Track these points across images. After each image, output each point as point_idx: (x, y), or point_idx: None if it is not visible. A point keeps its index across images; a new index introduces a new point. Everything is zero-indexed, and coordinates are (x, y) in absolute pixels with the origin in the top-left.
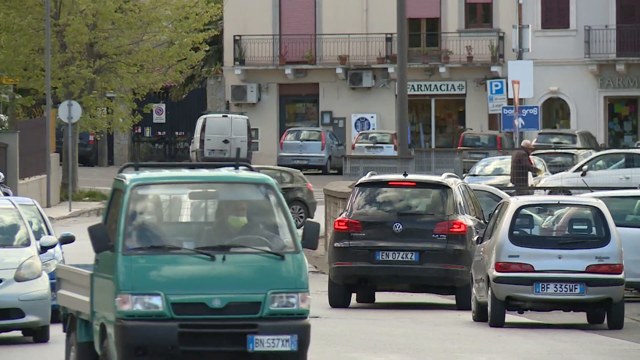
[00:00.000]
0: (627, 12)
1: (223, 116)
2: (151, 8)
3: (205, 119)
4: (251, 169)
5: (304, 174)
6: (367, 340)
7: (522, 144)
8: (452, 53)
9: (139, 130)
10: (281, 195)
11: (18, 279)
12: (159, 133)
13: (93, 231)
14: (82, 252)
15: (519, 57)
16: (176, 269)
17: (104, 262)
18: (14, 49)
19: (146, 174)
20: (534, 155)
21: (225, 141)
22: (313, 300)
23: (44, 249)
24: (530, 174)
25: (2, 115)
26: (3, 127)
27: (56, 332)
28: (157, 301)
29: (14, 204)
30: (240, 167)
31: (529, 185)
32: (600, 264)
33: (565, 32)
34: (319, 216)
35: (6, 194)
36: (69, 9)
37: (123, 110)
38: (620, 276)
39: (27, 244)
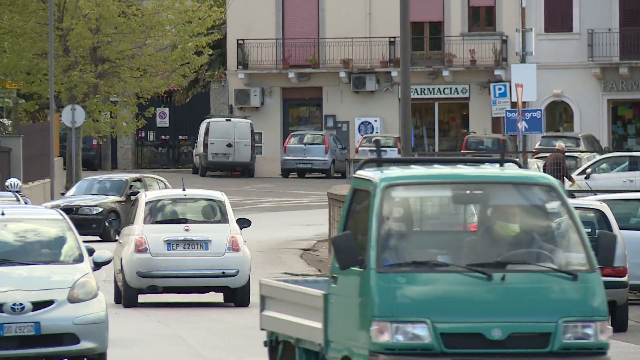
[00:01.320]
0: (630, 16)
1: (226, 120)
2: (154, 12)
3: (208, 122)
4: (520, 166)
5: (308, 177)
6: None
7: (557, 147)
8: (456, 57)
9: (143, 135)
10: (567, 200)
11: (71, 299)
12: (163, 137)
13: (339, 243)
14: None
15: (523, 61)
16: (444, 291)
17: (347, 279)
18: (17, 53)
19: (396, 171)
20: (537, 158)
21: (229, 145)
22: None
23: (97, 266)
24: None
25: (5, 119)
26: (6, 132)
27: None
28: (422, 331)
29: (62, 215)
30: (506, 164)
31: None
32: (604, 267)
33: (569, 35)
34: (322, 219)
35: (26, 203)
36: (72, 13)
37: (126, 114)
38: (624, 279)
39: (79, 259)
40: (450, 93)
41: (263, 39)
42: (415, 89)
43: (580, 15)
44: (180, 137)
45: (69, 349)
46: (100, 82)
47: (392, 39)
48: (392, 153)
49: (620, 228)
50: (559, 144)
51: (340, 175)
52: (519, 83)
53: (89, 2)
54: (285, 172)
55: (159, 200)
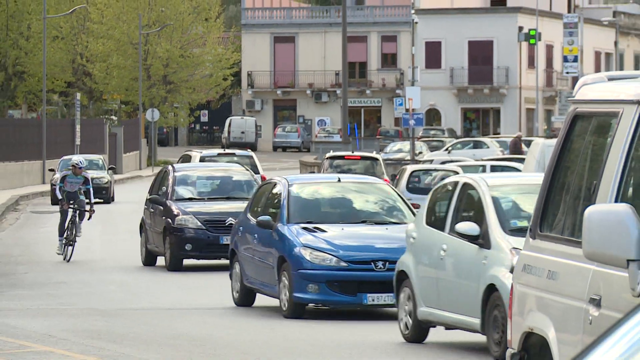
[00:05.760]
0: (474, 59)
1: (241, 118)
2: (199, 55)
3: (230, 119)
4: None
5: (288, 151)
6: None
7: (516, 135)
8: (374, 82)
9: (192, 126)
10: None
11: None
12: (204, 127)
13: None
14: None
15: (412, 85)
16: None
17: None
18: (120, 78)
19: None
20: (421, 141)
21: (242, 132)
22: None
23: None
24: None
25: (113, 116)
26: (114, 124)
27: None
28: None
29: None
30: None
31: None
32: None
33: (439, 70)
34: None
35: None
36: (152, 55)
37: (183, 114)
38: None
39: None
40: (371, 103)
41: (262, 71)
42: (350, 101)
43: (446, 58)
44: (214, 127)
45: None
46: (168, 95)
47: (337, 72)
48: (337, 137)
49: None
50: (518, 133)
51: (307, 150)
52: (410, 98)
53: (161, 49)
54: (275, 149)
55: (211, 155)
